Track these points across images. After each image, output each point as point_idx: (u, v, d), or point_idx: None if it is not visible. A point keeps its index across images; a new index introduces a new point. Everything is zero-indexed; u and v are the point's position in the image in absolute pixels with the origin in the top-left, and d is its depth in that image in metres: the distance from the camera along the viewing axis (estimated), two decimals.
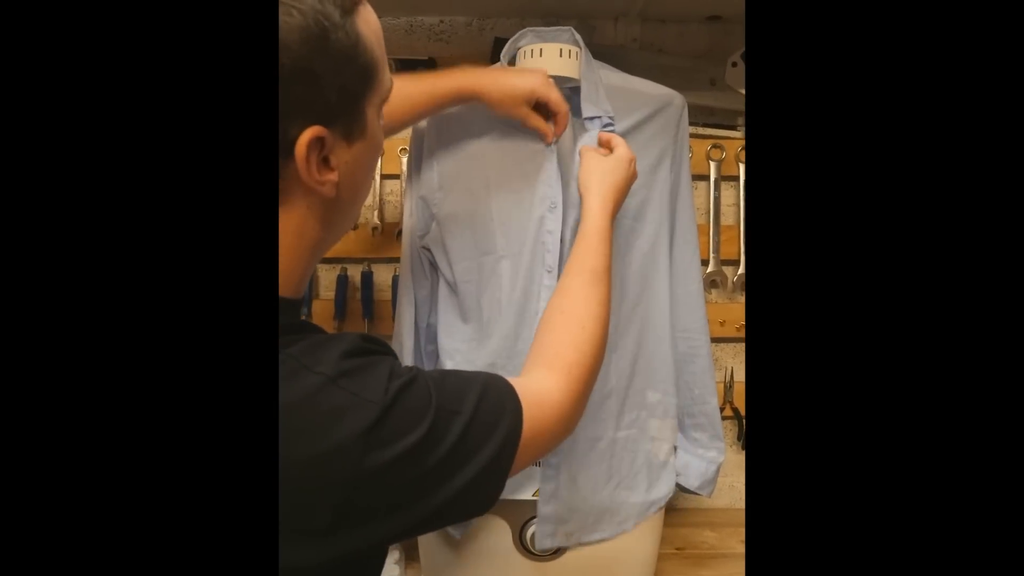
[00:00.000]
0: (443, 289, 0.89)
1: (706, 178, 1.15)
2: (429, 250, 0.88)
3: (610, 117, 0.82)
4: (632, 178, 0.77)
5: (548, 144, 0.81)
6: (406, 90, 0.77)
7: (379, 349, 0.50)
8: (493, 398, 0.52)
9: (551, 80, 0.80)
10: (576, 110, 0.83)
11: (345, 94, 0.47)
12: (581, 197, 0.74)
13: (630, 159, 0.76)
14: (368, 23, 0.49)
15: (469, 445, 0.49)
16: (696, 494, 0.92)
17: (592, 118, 0.81)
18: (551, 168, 0.81)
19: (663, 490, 0.88)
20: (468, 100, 0.80)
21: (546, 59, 0.83)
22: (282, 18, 0.43)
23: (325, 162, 0.48)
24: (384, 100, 0.52)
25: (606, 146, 0.78)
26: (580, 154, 0.78)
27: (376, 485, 0.45)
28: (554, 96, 0.78)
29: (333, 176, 0.49)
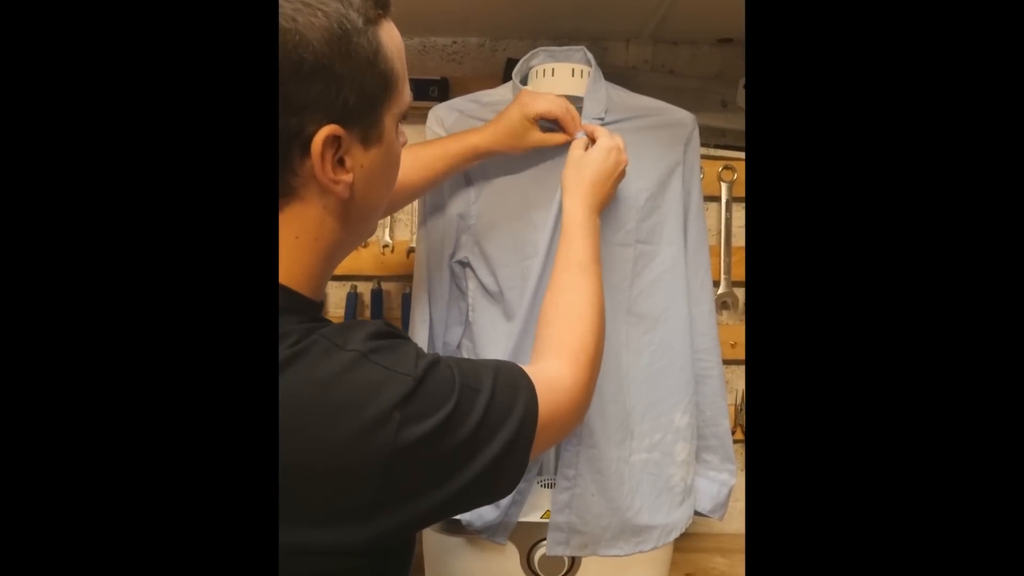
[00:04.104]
0: (481, 302, 0.88)
1: (717, 199, 1.15)
2: (465, 264, 0.88)
3: (598, 118, 0.82)
4: (617, 166, 0.76)
5: (575, 136, 0.80)
6: (420, 155, 0.80)
7: (401, 334, 0.52)
8: (507, 378, 0.54)
9: (538, 94, 0.80)
10: None
11: (364, 97, 0.48)
12: (562, 194, 0.75)
13: (610, 147, 0.75)
14: (391, 37, 0.50)
15: (491, 422, 0.50)
16: (707, 517, 0.91)
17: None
18: None
19: (686, 514, 0.87)
20: (483, 157, 0.81)
21: (558, 79, 0.84)
22: (307, 18, 0.44)
23: (341, 163, 0.49)
24: (403, 113, 0.53)
25: (591, 137, 0.78)
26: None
27: (412, 460, 0.46)
28: (549, 107, 0.78)
29: (347, 177, 0.50)
